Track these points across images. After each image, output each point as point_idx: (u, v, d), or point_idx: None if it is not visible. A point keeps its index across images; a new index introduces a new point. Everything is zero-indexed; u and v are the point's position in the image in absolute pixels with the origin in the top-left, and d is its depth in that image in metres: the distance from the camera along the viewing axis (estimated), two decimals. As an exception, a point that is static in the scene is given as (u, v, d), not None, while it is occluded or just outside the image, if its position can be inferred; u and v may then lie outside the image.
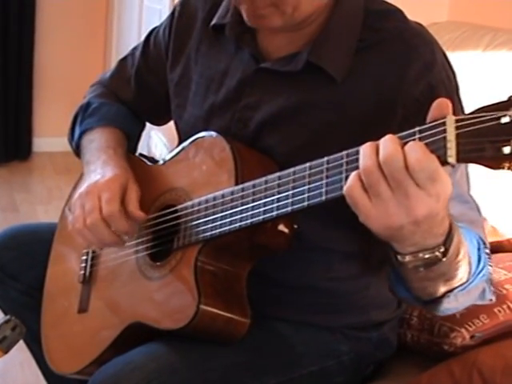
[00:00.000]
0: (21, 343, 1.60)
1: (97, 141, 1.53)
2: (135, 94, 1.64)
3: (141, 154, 1.60)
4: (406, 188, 0.92)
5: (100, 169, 1.42)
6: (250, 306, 1.29)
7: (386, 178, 0.93)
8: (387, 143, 0.94)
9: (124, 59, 1.69)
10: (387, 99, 1.22)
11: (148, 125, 1.76)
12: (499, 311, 1.54)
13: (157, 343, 1.30)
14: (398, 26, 1.27)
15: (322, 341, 1.41)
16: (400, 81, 1.22)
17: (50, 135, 4.51)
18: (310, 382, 1.38)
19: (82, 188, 1.39)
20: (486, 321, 1.52)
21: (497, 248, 1.98)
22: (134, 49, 1.67)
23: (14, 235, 1.71)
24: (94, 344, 1.40)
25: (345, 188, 0.97)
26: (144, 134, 2.35)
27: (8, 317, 1.25)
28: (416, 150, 0.91)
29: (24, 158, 4.54)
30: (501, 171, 0.87)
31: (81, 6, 4.58)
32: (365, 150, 0.96)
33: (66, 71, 4.57)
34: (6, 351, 1.24)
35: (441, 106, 0.93)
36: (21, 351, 1.77)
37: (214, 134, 1.33)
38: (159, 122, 1.73)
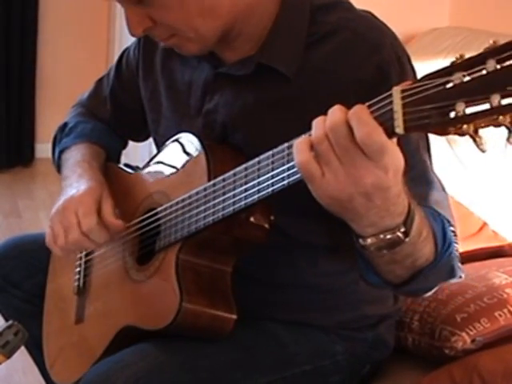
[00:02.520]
0: (23, 349, 1.61)
1: (73, 158, 1.57)
2: (111, 113, 1.68)
3: (126, 164, 1.63)
4: (352, 156, 0.94)
5: (75, 182, 1.46)
6: (239, 306, 1.30)
7: (333, 146, 0.95)
8: (334, 112, 0.96)
9: (100, 80, 1.73)
10: (340, 87, 1.23)
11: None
12: (500, 315, 1.55)
13: (147, 343, 1.31)
14: (343, 16, 1.28)
15: (315, 340, 1.41)
16: (349, 67, 1.23)
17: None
18: (304, 381, 1.39)
19: (59, 203, 1.43)
20: (486, 325, 1.53)
21: (498, 252, 1.99)
22: (110, 69, 1.70)
23: (16, 244, 1.73)
24: (91, 352, 1.42)
25: (296, 159, 0.98)
26: (145, 142, 2.34)
27: (10, 322, 1.26)
28: (363, 123, 0.92)
29: (27, 163, 4.55)
30: (447, 136, 0.89)
31: (83, 12, 4.59)
32: (316, 121, 0.98)
33: (68, 77, 4.58)
34: (9, 356, 1.25)
35: None
36: (23, 357, 1.78)
37: (188, 134, 1.36)
38: (138, 138, 1.75)
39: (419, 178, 1.21)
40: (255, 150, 1.16)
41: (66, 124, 1.67)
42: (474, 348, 1.51)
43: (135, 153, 1.68)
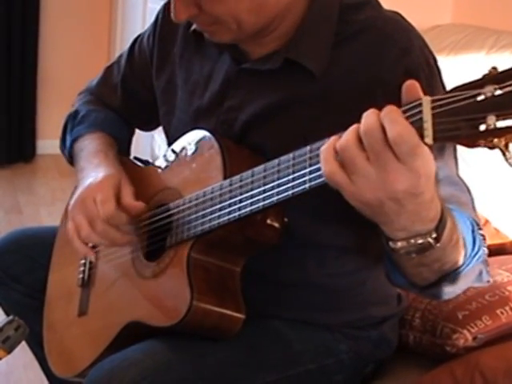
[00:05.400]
0: (24, 345, 1.61)
1: (87, 147, 1.55)
2: (122, 101, 1.66)
3: (135, 157, 1.61)
4: (385, 160, 0.92)
5: (93, 172, 1.44)
6: (246, 305, 1.29)
7: (365, 151, 0.93)
8: (368, 116, 0.94)
9: (110, 67, 1.71)
10: (367, 88, 1.22)
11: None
12: (502, 313, 1.54)
13: (153, 340, 1.30)
14: (371, 16, 1.28)
15: (320, 339, 1.41)
16: (377, 69, 1.22)
17: (53, 137, 4.45)
18: (309, 379, 1.38)
19: (77, 194, 1.41)
20: (488, 322, 1.52)
21: (499, 250, 1.98)
22: (120, 56, 1.69)
23: (17, 239, 1.73)
24: (94, 346, 1.41)
25: (322, 169, 0.97)
26: (147, 135, 2.34)
27: (11, 317, 1.25)
28: (395, 122, 0.91)
29: (28, 160, 4.55)
30: (476, 149, 0.88)
31: (84, 8, 4.59)
32: (348, 130, 0.96)
33: (69, 73, 4.58)
34: (9, 351, 1.24)
35: (410, 88, 0.93)
36: (24, 352, 1.78)
37: (203, 131, 1.34)
38: (147, 127, 1.74)
39: (445, 179, 1.20)
40: (274, 147, 1.15)
41: (77, 112, 1.65)
42: (475, 345, 1.51)
43: (136, 146, 1.67)
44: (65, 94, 4.44)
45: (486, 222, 2.17)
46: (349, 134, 0.95)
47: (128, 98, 1.65)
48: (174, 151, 1.43)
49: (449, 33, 2.76)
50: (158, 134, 2.97)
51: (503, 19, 2.75)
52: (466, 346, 1.51)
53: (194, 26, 1.42)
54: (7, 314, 1.69)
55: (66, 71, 4.61)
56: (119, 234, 1.36)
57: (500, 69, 0.86)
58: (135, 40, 1.64)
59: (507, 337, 1.53)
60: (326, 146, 0.97)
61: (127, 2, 4.33)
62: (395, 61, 1.22)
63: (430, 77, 1.24)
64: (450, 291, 1.14)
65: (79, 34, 4.62)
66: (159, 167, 1.47)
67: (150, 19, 1.61)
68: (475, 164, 2.27)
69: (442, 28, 2.85)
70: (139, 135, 1.77)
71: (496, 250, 1.97)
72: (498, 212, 2.20)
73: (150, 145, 3.12)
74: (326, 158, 0.97)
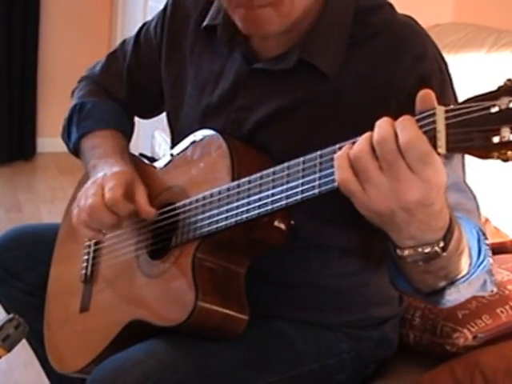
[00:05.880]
0: (24, 343, 1.60)
1: (101, 147, 1.53)
2: (127, 90, 1.65)
3: (141, 154, 1.60)
4: (397, 170, 0.92)
5: (107, 168, 1.43)
6: (249, 304, 1.29)
7: (378, 160, 0.93)
8: (382, 124, 0.94)
9: (113, 54, 1.69)
10: (380, 93, 1.22)
11: (151, 125, 1.76)
12: (502, 312, 1.54)
13: (157, 340, 1.30)
14: (386, 19, 1.28)
15: (322, 339, 1.41)
16: (392, 74, 1.22)
17: (54, 136, 4.46)
18: (311, 379, 1.38)
19: (88, 184, 1.40)
20: (488, 321, 1.52)
21: (500, 249, 1.98)
22: (123, 43, 1.67)
23: (17, 236, 1.72)
24: (95, 343, 1.41)
25: (336, 176, 0.97)
26: (147, 134, 2.33)
27: (11, 315, 1.25)
28: (407, 129, 0.91)
29: (28, 158, 4.55)
30: (489, 160, 0.88)
31: (85, 6, 4.59)
32: (361, 138, 0.96)
33: (69, 72, 4.54)
34: (9, 350, 1.24)
35: (424, 98, 0.93)
36: (24, 351, 1.78)
37: (211, 131, 1.34)
38: (149, 116, 1.74)
39: (453, 186, 1.20)
40: (283, 147, 1.15)
41: (82, 104, 1.63)
42: (475, 344, 1.51)
43: (137, 144, 1.67)
44: (65, 93, 4.40)
45: (486, 220, 2.17)
46: (362, 143, 0.95)
47: (133, 87, 1.64)
48: (181, 150, 1.42)
49: (449, 31, 2.76)
50: (159, 133, 2.97)
51: (503, 18, 2.75)
52: (466, 345, 1.51)
53: (205, 22, 1.41)
54: (7, 312, 1.68)
55: (66, 70, 4.59)
56: (107, 214, 1.33)
57: None
58: (141, 29, 1.62)
59: (507, 336, 1.53)
60: (341, 153, 0.97)
61: (127, 2, 4.33)
62: (410, 66, 1.22)
63: (442, 84, 1.24)
64: (453, 299, 1.14)
65: (79, 33, 4.61)
66: (165, 165, 1.46)
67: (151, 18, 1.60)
68: (475, 162, 2.27)
69: (442, 27, 2.85)
70: (140, 134, 1.77)
71: (496, 249, 1.97)
72: (498, 211, 2.20)
73: (151, 143, 3.12)
74: (340, 165, 0.97)
